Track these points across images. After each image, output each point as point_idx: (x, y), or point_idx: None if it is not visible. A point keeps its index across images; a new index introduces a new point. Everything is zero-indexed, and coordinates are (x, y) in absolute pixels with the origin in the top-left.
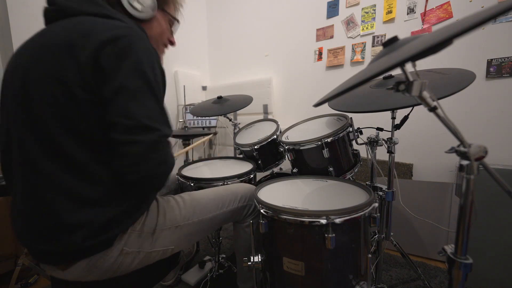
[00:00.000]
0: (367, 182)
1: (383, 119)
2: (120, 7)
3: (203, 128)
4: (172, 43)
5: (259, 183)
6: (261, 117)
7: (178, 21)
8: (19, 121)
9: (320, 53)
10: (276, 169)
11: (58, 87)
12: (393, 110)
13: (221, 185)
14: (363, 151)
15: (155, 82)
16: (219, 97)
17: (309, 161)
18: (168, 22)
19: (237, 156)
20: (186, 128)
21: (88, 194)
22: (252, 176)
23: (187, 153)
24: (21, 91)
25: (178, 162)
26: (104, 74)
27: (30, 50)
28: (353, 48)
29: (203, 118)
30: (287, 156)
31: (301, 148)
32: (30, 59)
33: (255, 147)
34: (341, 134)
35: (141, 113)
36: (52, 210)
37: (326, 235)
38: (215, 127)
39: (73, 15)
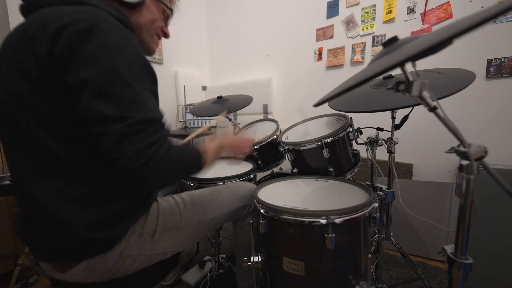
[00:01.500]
0: (367, 182)
1: (383, 119)
2: None
3: None
4: (165, 34)
5: (259, 183)
6: (261, 117)
7: (172, 10)
8: (2, 118)
9: (320, 53)
10: (276, 169)
11: (22, 81)
12: (393, 110)
13: (221, 185)
14: (363, 151)
15: (125, 63)
16: (219, 97)
17: (309, 161)
18: (161, 12)
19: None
20: (187, 128)
21: (76, 192)
22: (252, 176)
23: None
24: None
25: None
26: (60, 63)
27: (4, 49)
28: (353, 48)
29: (203, 118)
30: (287, 156)
31: (301, 148)
32: (2, 58)
33: (255, 147)
34: (341, 134)
35: (106, 107)
36: (46, 209)
37: (326, 235)
38: (215, 127)
39: (41, 7)
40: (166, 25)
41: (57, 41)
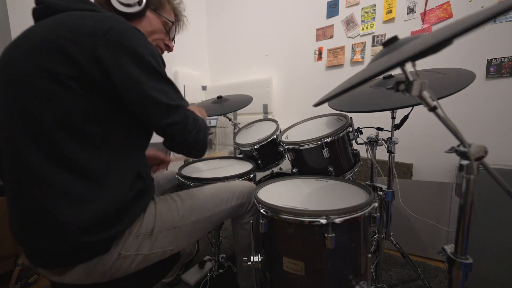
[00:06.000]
0: (367, 182)
1: (383, 119)
2: (107, 5)
3: None
4: (168, 47)
5: (259, 183)
6: (261, 117)
7: (173, 23)
8: (8, 117)
9: (320, 53)
10: (276, 169)
11: (51, 82)
12: (393, 110)
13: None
14: (363, 151)
15: (158, 65)
16: (219, 97)
17: (309, 161)
18: (163, 25)
19: (237, 156)
20: None
21: (78, 192)
22: (252, 176)
23: None
24: (11, 88)
25: (178, 162)
26: (104, 67)
27: (22, 47)
28: (353, 48)
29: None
30: (287, 156)
31: (301, 148)
32: (21, 56)
33: (255, 147)
34: (341, 134)
35: (164, 98)
36: (44, 208)
37: (326, 235)
38: (215, 127)
39: (60, 11)
40: (171, 39)
41: (98, 46)
